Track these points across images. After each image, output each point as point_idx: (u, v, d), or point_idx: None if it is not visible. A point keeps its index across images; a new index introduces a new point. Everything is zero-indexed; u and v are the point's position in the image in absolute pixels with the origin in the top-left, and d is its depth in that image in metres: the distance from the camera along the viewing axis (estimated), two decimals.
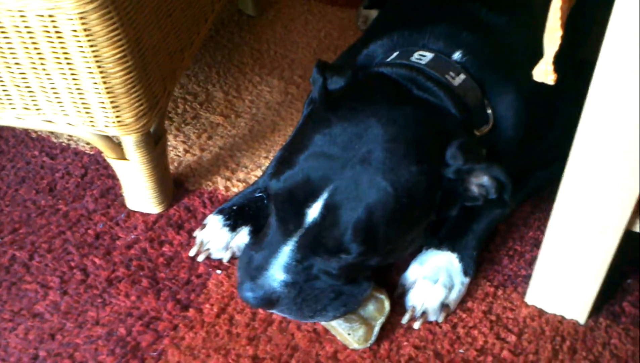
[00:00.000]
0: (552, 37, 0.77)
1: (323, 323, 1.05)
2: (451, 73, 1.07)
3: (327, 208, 0.92)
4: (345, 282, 1.00)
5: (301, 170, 0.94)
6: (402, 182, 0.93)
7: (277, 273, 0.96)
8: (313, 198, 0.93)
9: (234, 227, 1.16)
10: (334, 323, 1.03)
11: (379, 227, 0.93)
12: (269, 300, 0.97)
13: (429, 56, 1.09)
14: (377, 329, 1.03)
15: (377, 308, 1.05)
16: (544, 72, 0.80)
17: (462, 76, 1.07)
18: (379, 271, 1.14)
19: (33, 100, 1.05)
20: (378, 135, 0.95)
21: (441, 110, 1.04)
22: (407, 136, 0.96)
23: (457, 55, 1.10)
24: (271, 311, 1.01)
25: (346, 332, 1.02)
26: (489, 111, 1.09)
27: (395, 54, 1.13)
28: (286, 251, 0.96)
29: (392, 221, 0.94)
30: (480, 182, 0.99)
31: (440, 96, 1.04)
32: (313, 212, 0.93)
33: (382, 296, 1.06)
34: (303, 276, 0.97)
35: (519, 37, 1.14)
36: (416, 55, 1.10)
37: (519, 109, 1.10)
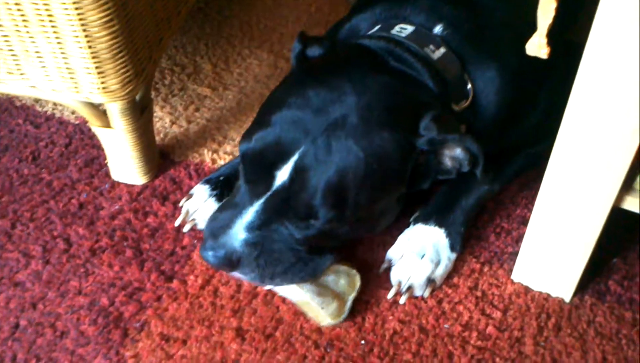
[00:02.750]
0: (546, 9, 0.76)
1: (295, 299, 1.04)
2: (431, 46, 1.06)
3: (297, 171, 0.91)
4: (308, 251, 0.99)
5: (273, 131, 0.94)
6: (374, 148, 0.93)
7: (240, 232, 0.94)
8: (283, 160, 0.92)
9: (221, 197, 1.14)
10: (308, 297, 1.02)
11: (349, 192, 0.92)
12: (230, 260, 0.95)
13: (410, 29, 1.09)
14: (349, 304, 1.03)
15: (349, 283, 1.05)
16: (537, 46, 0.80)
17: (442, 50, 1.07)
18: (362, 246, 1.14)
19: (17, 64, 1.03)
20: (352, 101, 0.94)
21: (417, 82, 1.03)
22: (381, 103, 0.96)
23: (438, 28, 1.09)
24: (232, 274, 1.00)
25: (320, 306, 1.02)
26: (469, 86, 1.09)
27: (377, 27, 1.12)
28: (252, 212, 0.94)
29: (362, 186, 0.93)
30: (454, 154, 0.99)
31: (417, 68, 1.04)
32: (282, 175, 0.92)
33: (354, 272, 1.06)
34: (267, 239, 0.95)
35: (504, 13, 1.13)
36: (397, 28, 1.09)
37: (500, 85, 1.10)
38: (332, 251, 1.03)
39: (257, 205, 0.94)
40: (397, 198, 1.03)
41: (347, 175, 0.92)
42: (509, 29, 1.11)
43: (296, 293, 1.03)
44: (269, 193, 0.94)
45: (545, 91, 1.16)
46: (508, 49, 1.08)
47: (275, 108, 0.96)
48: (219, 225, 0.97)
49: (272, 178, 0.93)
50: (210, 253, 0.96)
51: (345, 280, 1.05)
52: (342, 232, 0.99)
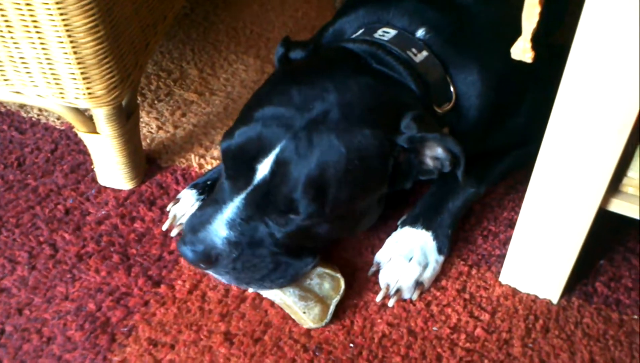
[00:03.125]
0: (531, 13, 0.77)
1: (278, 301, 1.04)
2: (413, 50, 1.07)
3: (278, 164, 0.92)
4: (288, 253, 0.99)
5: (255, 126, 0.94)
6: (355, 144, 0.93)
7: (220, 229, 0.95)
8: (264, 153, 0.92)
9: None
10: (290, 301, 1.02)
11: (329, 186, 0.93)
12: (208, 256, 0.95)
13: (393, 32, 1.09)
14: (332, 308, 1.03)
15: (333, 287, 1.05)
16: (522, 50, 0.80)
17: (425, 53, 1.08)
18: (351, 250, 1.14)
19: (1, 70, 1.02)
20: (334, 98, 0.95)
21: (399, 83, 1.04)
22: (362, 102, 0.97)
23: (420, 32, 1.10)
24: (208, 272, 1.00)
25: (302, 310, 1.02)
26: (452, 89, 1.09)
27: (360, 31, 1.13)
28: (232, 208, 0.95)
29: (343, 182, 0.93)
30: (435, 154, 1.00)
31: (399, 71, 1.04)
32: (263, 168, 0.93)
33: (338, 275, 1.06)
34: (246, 238, 0.95)
35: (487, 18, 1.14)
36: (380, 32, 1.10)
37: (482, 89, 1.10)
38: (314, 254, 1.04)
39: (237, 200, 0.95)
40: (378, 198, 1.03)
41: (328, 169, 0.92)
42: (491, 32, 1.11)
43: (279, 296, 1.03)
44: (250, 188, 0.94)
45: (530, 94, 1.17)
46: (491, 53, 1.09)
47: (257, 105, 0.97)
48: (199, 221, 0.96)
49: (253, 172, 0.93)
50: (188, 248, 0.95)
51: (329, 284, 1.05)
52: (322, 231, 0.99)
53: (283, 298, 1.03)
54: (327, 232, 1.00)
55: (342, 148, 0.92)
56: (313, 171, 0.91)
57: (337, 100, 0.95)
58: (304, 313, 1.01)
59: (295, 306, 1.02)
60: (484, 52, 1.10)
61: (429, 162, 1.01)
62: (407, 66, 1.04)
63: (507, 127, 1.18)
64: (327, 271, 1.06)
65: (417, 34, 1.09)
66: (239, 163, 0.95)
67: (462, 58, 1.09)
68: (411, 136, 0.96)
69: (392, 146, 0.97)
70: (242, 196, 0.94)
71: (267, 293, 1.05)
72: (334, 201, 0.94)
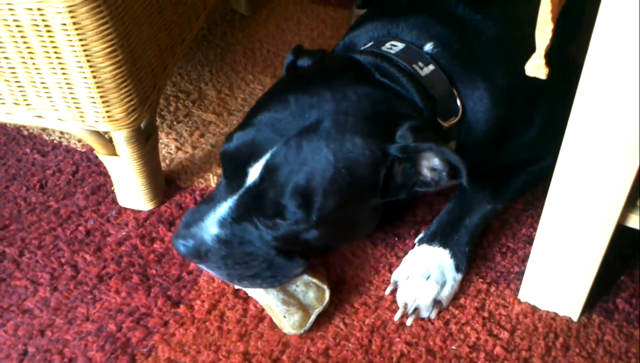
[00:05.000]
0: (543, 30, 0.77)
1: (261, 302, 1.06)
2: (420, 63, 1.08)
3: (268, 169, 0.94)
4: (280, 254, 1.01)
5: (250, 131, 0.97)
6: (344, 152, 0.94)
7: (211, 226, 0.98)
8: (256, 158, 0.95)
9: None
10: (272, 303, 1.03)
11: (316, 193, 0.94)
12: (198, 251, 0.98)
13: (400, 46, 1.10)
14: (313, 317, 1.04)
15: (317, 297, 1.05)
16: (536, 67, 0.80)
17: (431, 67, 1.08)
18: (367, 268, 1.14)
19: (23, 95, 1.04)
20: (329, 107, 0.97)
21: (400, 95, 1.04)
22: (358, 111, 0.98)
23: (428, 46, 1.10)
24: (201, 266, 1.03)
25: (282, 315, 1.03)
26: (458, 103, 1.10)
27: (370, 43, 1.14)
28: (225, 207, 0.97)
29: (330, 190, 0.94)
30: (432, 165, 0.99)
31: (403, 83, 1.05)
32: (254, 172, 0.95)
33: (324, 286, 1.06)
34: (237, 237, 0.98)
35: (494, 33, 1.14)
36: (387, 45, 1.11)
37: (490, 103, 1.10)
38: (306, 257, 1.05)
39: (230, 201, 0.97)
40: (372, 208, 1.03)
41: (315, 177, 0.93)
42: (499, 48, 1.12)
43: (262, 297, 1.05)
44: (242, 190, 0.96)
45: (541, 108, 1.17)
46: (498, 68, 1.09)
47: (257, 111, 0.99)
48: (193, 217, 1.00)
49: (245, 175, 0.96)
50: (180, 242, 0.99)
51: (314, 294, 1.05)
52: (311, 237, 0.99)
53: (266, 299, 1.04)
54: (316, 239, 1.00)
55: (330, 156, 0.93)
56: (300, 178, 0.93)
57: (333, 109, 0.96)
58: (284, 317, 1.03)
59: (277, 309, 1.03)
60: (492, 67, 1.10)
61: (427, 173, 1.00)
62: (411, 78, 1.05)
63: (520, 142, 1.18)
64: (315, 280, 1.06)
65: (425, 48, 1.10)
66: (234, 165, 0.98)
67: (470, 73, 1.10)
68: (405, 146, 0.96)
69: (385, 156, 0.97)
70: (235, 197, 0.97)
71: (252, 293, 1.07)
72: (321, 209, 0.95)
